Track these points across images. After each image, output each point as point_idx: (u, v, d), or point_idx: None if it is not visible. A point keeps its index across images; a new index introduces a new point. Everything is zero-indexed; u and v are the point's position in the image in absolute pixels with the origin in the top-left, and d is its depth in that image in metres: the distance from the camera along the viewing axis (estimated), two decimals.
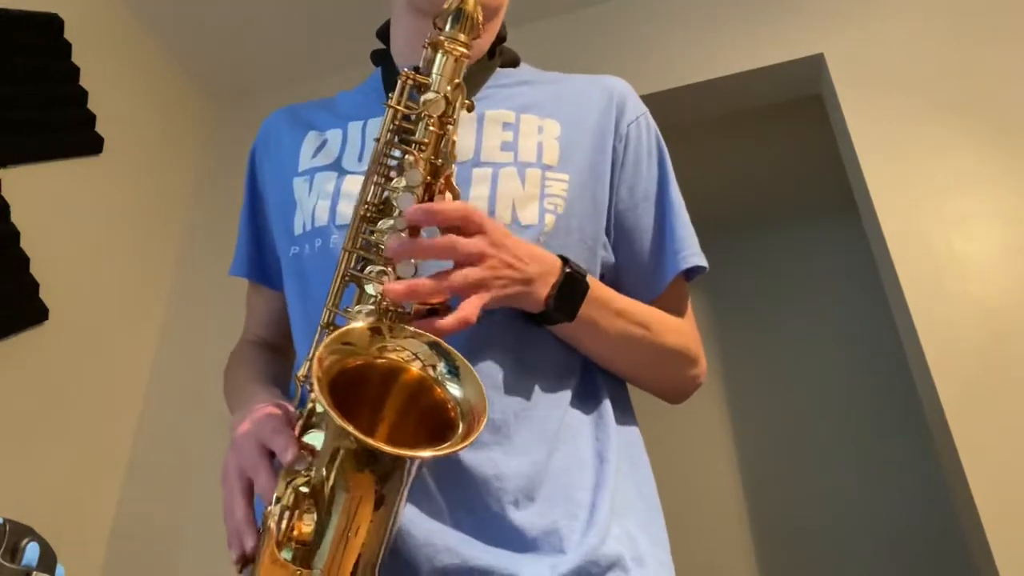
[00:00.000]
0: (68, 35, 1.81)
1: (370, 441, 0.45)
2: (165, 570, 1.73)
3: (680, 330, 0.77)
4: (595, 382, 0.73)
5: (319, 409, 0.55)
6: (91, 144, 1.87)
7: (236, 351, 0.90)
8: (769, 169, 2.78)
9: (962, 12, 1.71)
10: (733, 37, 1.89)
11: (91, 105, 1.87)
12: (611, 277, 0.76)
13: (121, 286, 1.93)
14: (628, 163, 0.78)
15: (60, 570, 0.54)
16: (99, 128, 1.88)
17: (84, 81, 1.85)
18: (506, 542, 0.60)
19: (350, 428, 0.45)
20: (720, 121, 2.20)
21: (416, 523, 0.58)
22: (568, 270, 0.65)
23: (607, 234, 0.76)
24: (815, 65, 1.82)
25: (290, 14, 2.12)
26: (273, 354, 0.88)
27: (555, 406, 0.68)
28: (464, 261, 0.58)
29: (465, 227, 0.58)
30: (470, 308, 0.57)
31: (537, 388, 0.68)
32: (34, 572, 0.52)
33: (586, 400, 0.72)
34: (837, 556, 2.44)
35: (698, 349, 0.79)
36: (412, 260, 0.57)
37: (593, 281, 0.68)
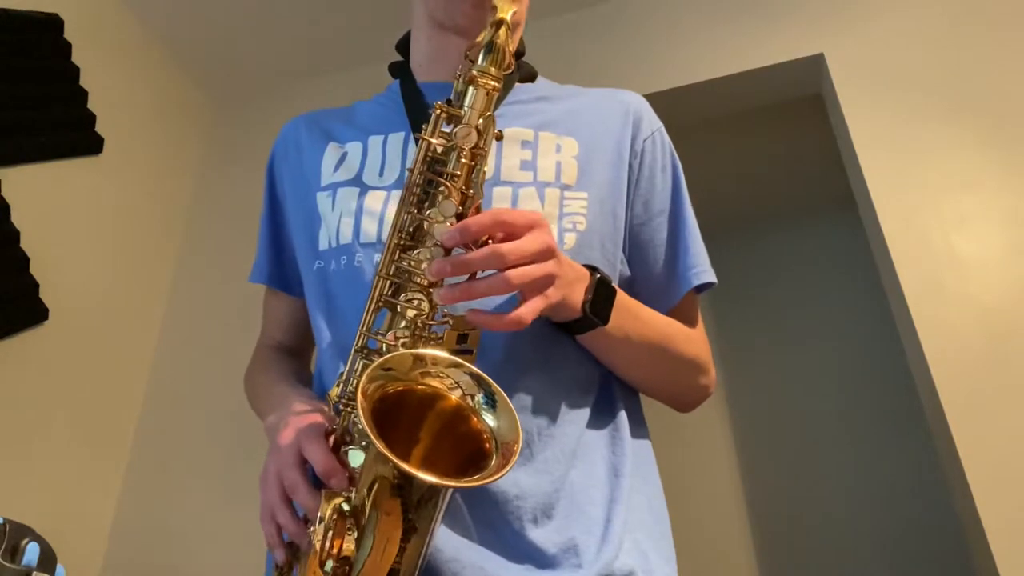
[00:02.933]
0: (68, 35, 1.81)
1: (410, 469, 0.47)
2: (165, 570, 1.73)
3: (694, 340, 0.79)
4: (612, 396, 0.74)
5: (355, 426, 0.58)
6: (91, 144, 1.87)
7: (257, 356, 0.92)
8: (769, 169, 2.77)
9: (962, 12, 1.71)
10: (733, 37, 1.89)
11: (91, 105, 1.87)
12: (625, 290, 0.77)
13: (121, 286, 1.93)
14: (643, 178, 0.79)
15: (60, 570, 0.54)
16: (99, 128, 1.88)
17: (84, 81, 1.85)
18: (528, 559, 0.62)
19: (393, 458, 0.47)
20: (720, 121, 2.20)
21: (443, 539, 0.60)
22: (598, 276, 0.67)
23: (623, 249, 0.78)
24: (815, 65, 1.82)
25: (291, 14, 2.12)
26: (294, 358, 0.89)
27: (576, 423, 0.69)
28: (517, 262, 0.58)
29: (502, 232, 0.59)
30: (528, 310, 0.58)
31: (563, 406, 0.69)
32: (34, 572, 0.52)
33: (603, 414, 0.73)
34: (838, 557, 2.44)
35: (709, 359, 0.81)
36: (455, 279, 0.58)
37: (618, 289, 0.70)
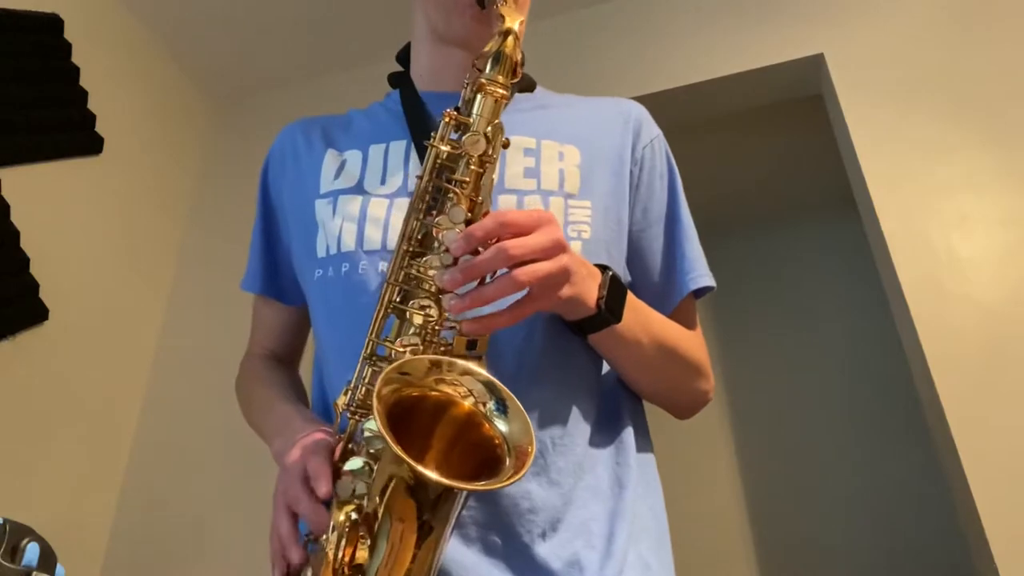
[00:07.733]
0: (68, 35, 1.82)
1: (426, 472, 0.47)
2: (165, 570, 1.73)
3: (696, 344, 0.79)
4: (618, 405, 0.75)
5: (362, 435, 0.58)
6: (91, 144, 1.87)
7: (248, 365, 0.91)
8: (769, 169, 2.77)
9: (962, 12, 1.71)
10: (733, 37, 1.89)
11: (91, 105, 1.87)
12: None
13: (121, 286, 1.93)
14: (643, 185, 0.80)
15: (60, 570, 0.54)
16: (99, 128, 1.88)
17: (84, 81, 1.85)
18: (533, 572, 0.62)
19: (408, 459, 0.46)
20: (720, 121, 2.20)
21: (448, 553, 0.59)
22: (611, 273, 0.66)
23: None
24: (815, 65, 1.82)
25: (290, 14, 2.12)
26: (285, 367, 0.89)
27: (584, 433, 0.69)
28: (524, 257, 0.57)
29: (507, 233, 0.58)
30: (528, 306, 0.58)
31: (573, 415, 0.69)
32: (34, 572, 0.52)
33: (608, 424, 0.73)
34: (837, 556, 2.44)
35: (709, 364, 0.81)
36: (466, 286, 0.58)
37: (628, 289, 0.70)
